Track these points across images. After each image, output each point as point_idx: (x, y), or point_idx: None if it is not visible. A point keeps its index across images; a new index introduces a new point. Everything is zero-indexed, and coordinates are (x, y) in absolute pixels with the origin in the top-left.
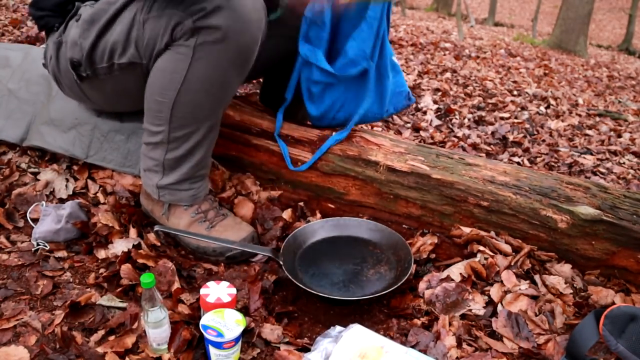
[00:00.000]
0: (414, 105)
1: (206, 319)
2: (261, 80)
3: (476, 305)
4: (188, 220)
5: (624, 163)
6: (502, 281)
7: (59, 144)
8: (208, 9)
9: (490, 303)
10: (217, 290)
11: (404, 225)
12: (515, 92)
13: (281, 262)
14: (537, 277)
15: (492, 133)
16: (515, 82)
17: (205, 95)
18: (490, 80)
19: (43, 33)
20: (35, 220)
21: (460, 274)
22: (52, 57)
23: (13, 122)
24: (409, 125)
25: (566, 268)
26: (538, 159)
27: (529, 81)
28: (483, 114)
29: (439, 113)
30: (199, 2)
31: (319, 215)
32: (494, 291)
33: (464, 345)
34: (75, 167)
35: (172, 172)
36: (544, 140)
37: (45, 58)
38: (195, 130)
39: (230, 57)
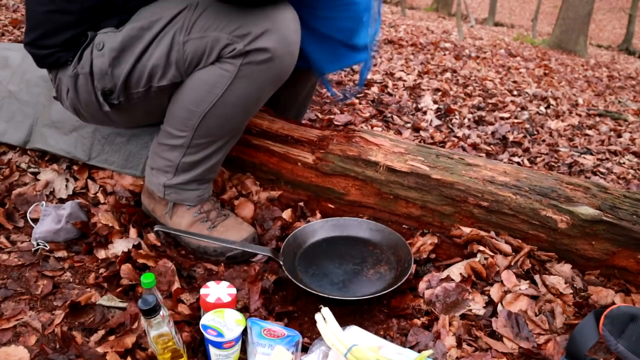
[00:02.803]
0: (414, 106)
1: (206, 319)
2: None
3: (476, 305)
4: (190, 220)
5: (624, 163)
6: (502, 281)
7: (61, 146)
8: (257, 33)
9: (490, 303)
10: (217, 290)
11: (404, 225)
12: (515, 92)
13: (281, 262)
14: (537, 277)
15: (492, 133)
16: (515, 82)
17: (240, 110)
18: (490, 80)
19: None
20: (35, 220)
21: (460, 274)
22: (70, 91)
23: (15, 124)
24: (409, 125)
25: (566, 268)
26: (538, 159)
27: (529, 81)
28: (483, 114)
29: (439, 113)
30: (245, 26)
31: (319, 215)
32: (494, 291)
33: (464, 345)
34: (75, 167)
35: (184, 174)
36: (544, 140)
37: (57, 92)
38: (218, 139)
39: (272, 77)
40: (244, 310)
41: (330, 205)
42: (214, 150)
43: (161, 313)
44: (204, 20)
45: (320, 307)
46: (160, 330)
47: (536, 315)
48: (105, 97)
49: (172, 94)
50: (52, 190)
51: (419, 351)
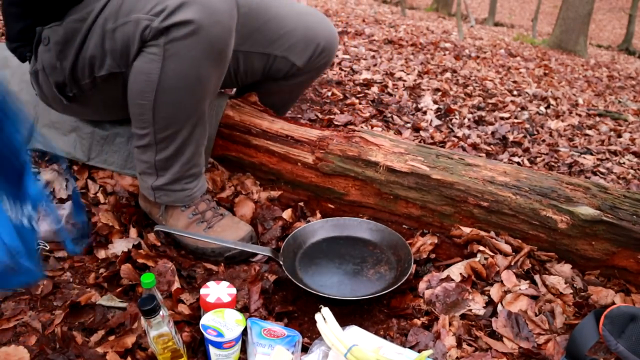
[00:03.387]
0: (414, 106)
1: (206, 319)
2: None
3: (476, 305)
4: (185, 222)
5: (624, 163)
6: (502, 281)
7: (61, 147)
8: (172, 6)
9: (490, 303)
10: (217, 290)
11: (404, 225)
12: (515, 92)
13: (281, 262)
14: (537, 277)
15: (492, 133)
16: (515, 82)
17: (184, 93)
18: (490, 80)
19: None
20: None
21: (460, 274)
22: (35, 87)
23: None
24: (409, 125)
25: (566, 268)
26: (538, 159)
27: (529, 81)
28: (483, 114)
29: (439, 113)
30: (161, 2)
31: (319, 215)
32: (494, 291)
33: (464, 345)
34: (75, 167)
35: (165, 173)
36: (544, 140)
37: (34, 89)
38: (180, 129)
39: (204, 50)
40: (244, 310)
41: (330, 205)
42: (182, 141)
43: (161, 313)
44: (127, 4)
45: (320, 307)
46: (160, 330)
47: (536, 315)
48: (60, 90)
49: (121, 86)
50: (52, 190)
51: (419, 351)
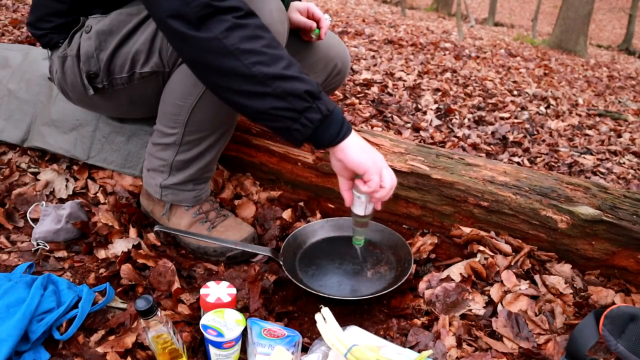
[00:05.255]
0: (414, 106)
1: (206, 319)
2: None
3: (476, 305)
4: (189, 221)
5: (624, 163)
6: (502, 281)
7: (60, 145)
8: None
9: (490, 303)
10: (217, 290)
11: (404, 225)
12: (515, 92)
13: (281, 262)
14: (537, 277)
15: (492, 133)
16: (515, 82)
17: None
18: (490, 80)
19: None
20: (35, 220)
21: (460, 274)
22: (58, 71)
23: (14, 122)
24: (409, 125)
25: (566, 268)
26: (538, 159)
27: (529, 81)
28: (483, 114)
29: (439, 113)
30: None
31: (319, 215)
32: (494, 291)
33: (464, 345)
34: (75, 167)
35: (179, 173)
36: (544, 140)
37: (50, 73)
38: (209, 135)
39: None
40: (244, 310)
41: (330, 205)
42: (207, 147)
43: (158, 313)
44: None
45: (320, 307)
46: (158, 330)
47: (536, 315)
48: (90, 80)
49: (156, 85)
50: (52, 190)
51: (419, 351)
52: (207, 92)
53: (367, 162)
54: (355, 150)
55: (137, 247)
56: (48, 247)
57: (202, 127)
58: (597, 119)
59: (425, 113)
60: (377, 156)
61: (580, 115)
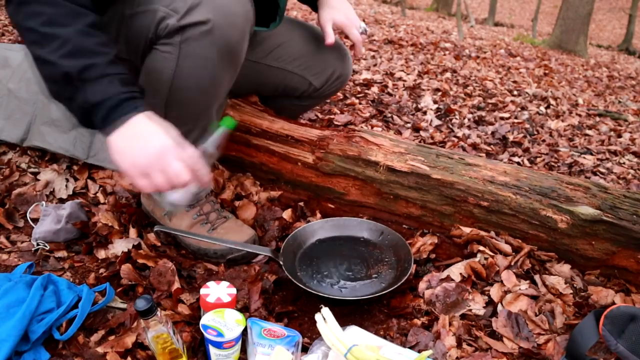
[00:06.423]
0: (414, 106)
1: (206, 319)
2: None
3: (476, 305)
4: (189, 222)
5: (624, 163)
6: (502, 281)
7: (60, 144)
8: (190, 5)
9: (490, 303)
10: (217, 290)
11: (404, 225)
12: (515, 92)
13: (281, 262)
14: (537, 277)
15: (492, 133)
16: (515, 82)
17: (197, 93)
18: (490, 80)
19: None
20: (35, 220)
21: (460, 274)
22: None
23: (13, 122)
24: (409, 125)
25: (566, 268)
26: (538, 159)
27: (529, 81)
28: (483, 114)
29: (439, 113)
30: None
31: (319, 215)
32: (494, 291)
33: (464, 345)
34: (75, 167)
35: None
36: (544, 140)
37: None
38: (191, 130)
39: (218, 51)
40: (244, 310)
41: (330, 205)
42: (192, 143)
43: (158, 313)
44: None
45: (321, 307)
46: (158, 330)
47: (536, 315)
48: None
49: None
50: (52, 190)
51: (419, 351)
52: (175, 85)
53: (125, 165)
54: (115, 150)
55: (137, 247)
56: (48, 247)
57: (180, 123)
58: (597, 119)
59: (425, 113)
60: (143, 155)
61: (580, 115)
